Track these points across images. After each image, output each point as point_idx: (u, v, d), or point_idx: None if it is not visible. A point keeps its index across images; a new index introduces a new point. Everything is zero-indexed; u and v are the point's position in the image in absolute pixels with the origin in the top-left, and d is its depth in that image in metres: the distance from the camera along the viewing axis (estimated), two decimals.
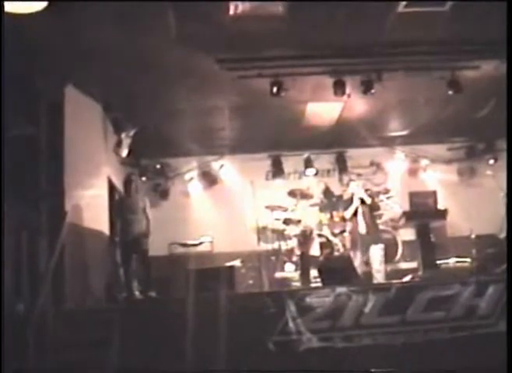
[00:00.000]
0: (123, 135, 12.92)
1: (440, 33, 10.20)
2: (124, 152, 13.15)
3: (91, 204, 11.48)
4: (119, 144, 12.99)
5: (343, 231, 13.73)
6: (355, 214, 12.25)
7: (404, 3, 9.14)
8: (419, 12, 9.45)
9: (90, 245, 11.18)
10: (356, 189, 12.46)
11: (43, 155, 9.78)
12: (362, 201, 12.26)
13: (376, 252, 11.96)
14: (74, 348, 8.03)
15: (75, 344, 8.09)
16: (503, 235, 14.78)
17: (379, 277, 11.68)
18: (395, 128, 15.95)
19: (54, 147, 10.07)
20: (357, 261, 11.70)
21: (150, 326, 8.58)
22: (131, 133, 12.94)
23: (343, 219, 12.79)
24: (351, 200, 12.36)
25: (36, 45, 8.99)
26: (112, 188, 13.33)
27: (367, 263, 11.98)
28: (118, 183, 13.74)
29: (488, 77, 12.03)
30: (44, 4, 7.83)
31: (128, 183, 12.13)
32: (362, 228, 12.11)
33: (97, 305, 10.48)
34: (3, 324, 7.51)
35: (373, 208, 12.44)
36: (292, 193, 15.42)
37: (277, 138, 15.67)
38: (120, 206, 12.08)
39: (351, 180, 13.21)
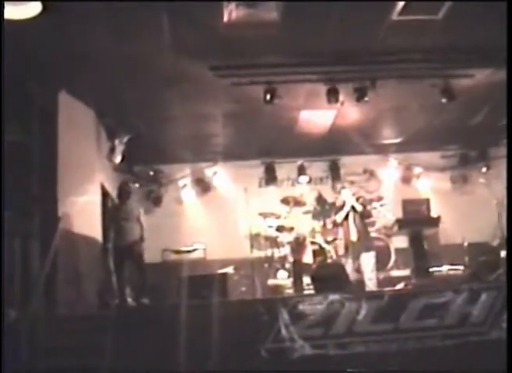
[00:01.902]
0: (116, 142, 12.92)
1: (433, 41, 10.23)
2: (118, 159, 13.14)
3: (84, 211, 11.46)
4: (112, 150, 12.99)
5: (336, 239, 13.72)
6: (346, 219, 12.24)
7: (397, 11, 9.17)
8: (412, 20, 9.47)
9: (83, 252, 11.16)
10: (348, 197, 12.45)
11: (37, 161, 9.78)
12: (354, 209, 12.25)
13: (368, 259, 11.93)
14: (66, 354, 8.01)
15: (68, 350, 8.07)
16: (495, 242, 14.82)
17: (371, 285, 11.66)
18: (388, 136, 15.97)
19: (47, 153, 10.08)
20: (349, 268, 11.68)
21: (143, 333, 8.55)
22: (125, 139, 12.94)
23: (335, 224, 12.76)
24: (343, 208, 12.36)
25: (30, 51, 9.00)
26: (105, 194, 13.29)
27: (358, 270, 11.96)
28: (111, 190, 13.73)
29: (481, 85, 12.08)
30: (39, 9, 7.85)
31: (122, 189, 12.09)
32: (353, 235, 12.09)
33: (90, 311, 10.44)
34: (3, 325, 7.50)
35: (364, 216, 12.42)
36: (285, 201, 15.40)
37: (270, 145, 15.68)
38: (114, 212, 12.02)
39: (342, 188, 13.20)
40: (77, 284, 10.72)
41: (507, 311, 8.05)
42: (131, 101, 11.98)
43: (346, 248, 12.22)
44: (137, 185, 16.04)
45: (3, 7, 7.67)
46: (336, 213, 12.54)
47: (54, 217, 9.86)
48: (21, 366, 7.63)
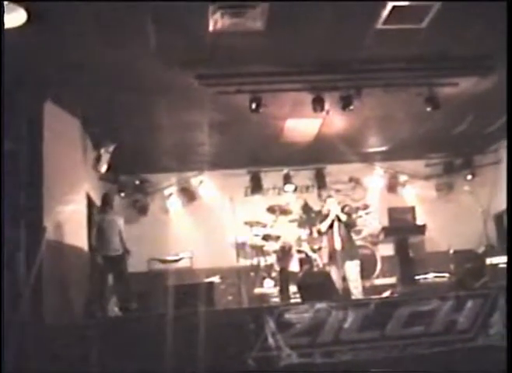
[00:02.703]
0: (102, 151, 12.89)
1: (418, 49, 10.27)
2: (103, 168, 13.12)
3: (70, 220, 11.44)
4: (98, 159, 12.96)
5: (322, 248, 13.75)
6: (331, 228, 12.26)
7: (382, 20, 9.20)
8: (397, 28, 9.50)
9: (69, 261, 11.12)
10: (333, 206, 12.48)
11: (22, 169, 9.74)
12: (338, 219, 12.27)
13: (352, 268, 11.96)
14: (52, 364, 7.97)
15: (54, 360, 8.03)
16: (481, 250, 14.90)
17: (356, 293, 11.69)
18: (374, 144, 16.01)
19: (33, 162, 10.03)
20: (334, 277, 11.69)
21: (129, 342, 8.52)
22: (110, 148, 12.90)
23: (319, 233, 12.77)
24: (328, 217, 12.39)
25: (15, 60, 8.95)
26: (91, 204, 13.26)
27: (344, 278, 11.98)
28: (97, 199, 13.71)
29: (465, 93, 12.14)
30: (24, 18, 7.84)
31: (106, 199, 12.18)
32: (337, 244, 12.11)
33: (76, 320, 10.39)
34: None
35: (348, 225, 12.44)
36: (271, 209, 15.43)
37: (256, 154, 15.70)
38: (100, 222, 12.04)
39: (328, 197, 13.24)
40: (63, 293, 10.68)
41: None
42: (117, 110, 11.97)
43: (330, 256, 12.23)
44: (122, 194, 16.06)
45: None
46: (321, 222, 12.56)
47: (40, 226, 9.82)
48: None
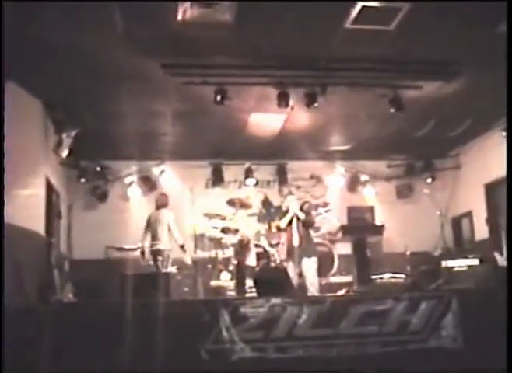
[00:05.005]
0: (64, 135, 12.74)
1: (384, 51, 10.33)
2: (65, 153, 12.97)
3: (27, 204, 11.31)
4: (59, 144, 12.80)
5: (280, 243, 13.77)
6: (290, 225, 12.27)
7: (351, 20, 9.23)
8: (365, 29, 9.55)
9: (24, 246, 10.98)
10: (292, 203, 12.47)
11: None
12: (297, 217, 12.28)
13: (309, 265, 11.97)
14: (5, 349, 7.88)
15: (6, 345, 7.94)
16: (437, 252, 15.07)
17: (312, 290, 11.72)
18: (337, 142, 16.07)
19: None
20: (291, 273, 11.71)
21: (82, 330, 8.46)
22: (73, 133, 12.76)
23: (279, 229, 12.80)
24: (287, 213, 12.41)
25: None
26: (50, 188, 13.14)
27: (300, 275, 12.01)
28: (57, 183, 13.57)
29: (429, 97, 12.25)
30: None
31: None
32: (295, 241, 12.13)
33: (30, 306, 10.27)
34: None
35: (307, 223, 12.43)
36: (231, 202, 15.40)
37: (219, 147, 15.68)
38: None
39: (288, 194, 13.25)
40: (18, 278, 10.55)
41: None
42: (81, 95, 11.88)
43: (288, 253, 12.25)
44: (83, 180, 15.94)
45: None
46: (280, 218, 12.57)
47: None
48: None
